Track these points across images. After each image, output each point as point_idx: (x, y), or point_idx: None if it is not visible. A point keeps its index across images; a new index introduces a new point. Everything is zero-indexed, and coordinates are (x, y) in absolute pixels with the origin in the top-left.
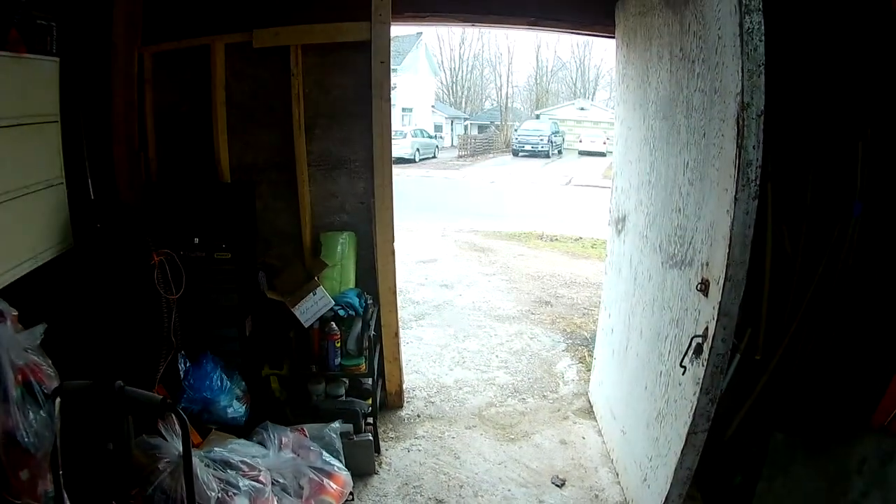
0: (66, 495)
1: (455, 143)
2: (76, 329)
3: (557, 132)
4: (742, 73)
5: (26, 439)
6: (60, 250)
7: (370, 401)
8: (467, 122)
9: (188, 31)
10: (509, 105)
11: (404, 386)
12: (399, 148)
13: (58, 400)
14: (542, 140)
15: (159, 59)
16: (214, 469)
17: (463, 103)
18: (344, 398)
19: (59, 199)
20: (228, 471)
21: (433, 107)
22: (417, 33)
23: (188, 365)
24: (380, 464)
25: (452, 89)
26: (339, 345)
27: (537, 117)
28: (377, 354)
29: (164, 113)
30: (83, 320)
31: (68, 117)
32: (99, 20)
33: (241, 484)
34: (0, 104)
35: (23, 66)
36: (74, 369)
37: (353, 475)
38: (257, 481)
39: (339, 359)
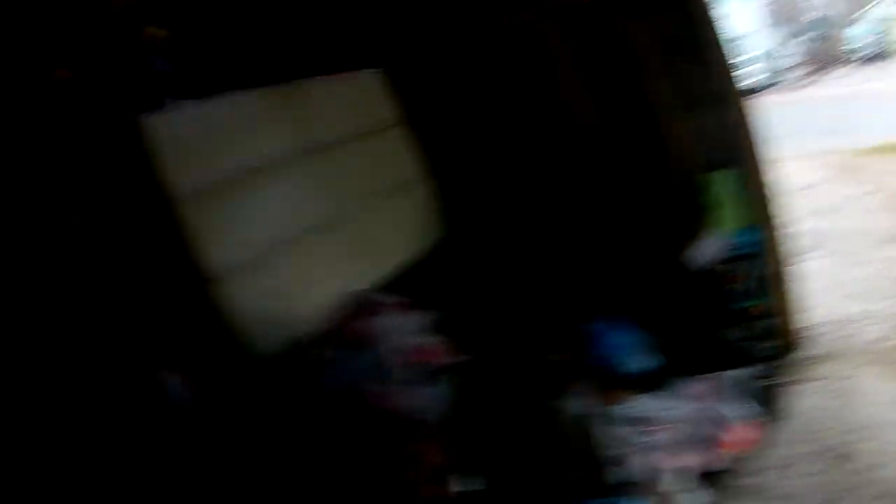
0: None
1: (790, 65)
2: (463, 311)
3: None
4: None
5: (420, 418)
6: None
7: (770, 343)
8: (800, 37)
9: None
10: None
11: (799, 324)
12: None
13: (452, 378)
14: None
15: None
16: (623, 426)
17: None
18: (746, 342)
19: (425, 196)
20: (637, 427)
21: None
22: None
23: (591, 325)
24: (782, 409)
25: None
26: (736, 286)
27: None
28: (774, 294)
29: None
30: (472, 302)
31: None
32: None
33: (649, 439)
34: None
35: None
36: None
37: (756, 422)
38: (665, 435)
39: (738, 301)
